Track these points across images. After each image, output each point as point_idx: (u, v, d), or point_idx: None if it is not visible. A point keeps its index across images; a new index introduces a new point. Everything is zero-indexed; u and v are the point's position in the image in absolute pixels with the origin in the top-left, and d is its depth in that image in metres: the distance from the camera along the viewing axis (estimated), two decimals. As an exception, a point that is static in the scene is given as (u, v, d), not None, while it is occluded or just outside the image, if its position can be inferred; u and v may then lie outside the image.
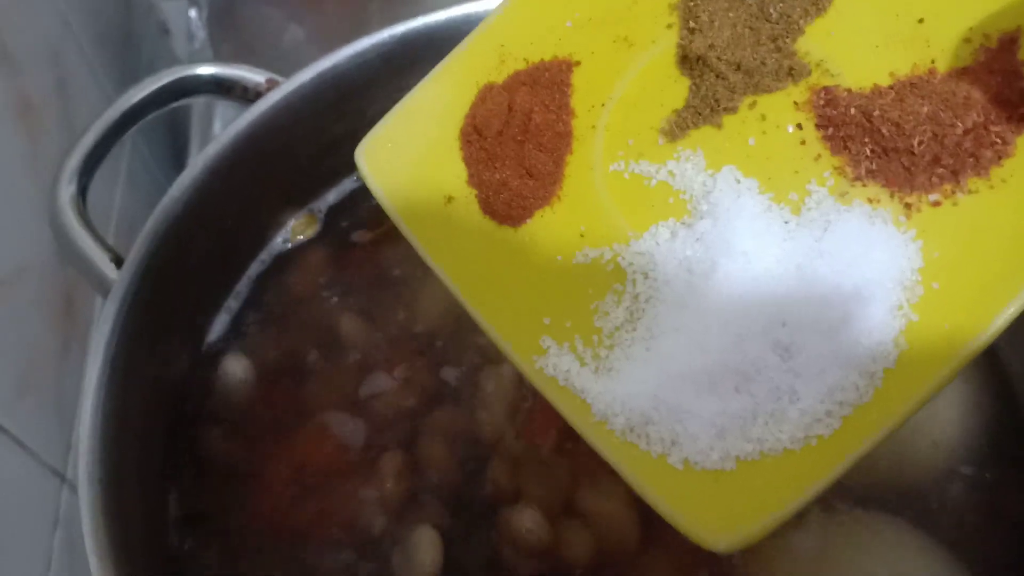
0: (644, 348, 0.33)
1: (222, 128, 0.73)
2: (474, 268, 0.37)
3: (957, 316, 0.31)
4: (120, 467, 0.45)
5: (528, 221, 0.37)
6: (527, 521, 0.44)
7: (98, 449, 0.44)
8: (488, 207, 0.38)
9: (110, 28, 0.77)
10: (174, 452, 0.52)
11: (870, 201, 0.33)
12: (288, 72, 0.56)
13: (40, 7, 0.64)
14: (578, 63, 0.39)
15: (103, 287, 0.49)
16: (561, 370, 0.34)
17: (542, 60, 0.39)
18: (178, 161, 0.82)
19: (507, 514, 0.45)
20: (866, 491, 0.46)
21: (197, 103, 0.75)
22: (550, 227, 0.37)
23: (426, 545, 0.45)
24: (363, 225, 0.60)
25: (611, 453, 0.32)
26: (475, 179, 0.38)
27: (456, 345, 0.53)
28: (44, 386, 0.58)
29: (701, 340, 0.32)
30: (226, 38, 0.78)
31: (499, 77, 0.39)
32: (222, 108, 0.75)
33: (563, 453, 0.48)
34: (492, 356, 0.51)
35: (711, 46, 0.36)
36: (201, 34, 0.81)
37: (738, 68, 0.36)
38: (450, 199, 0.38)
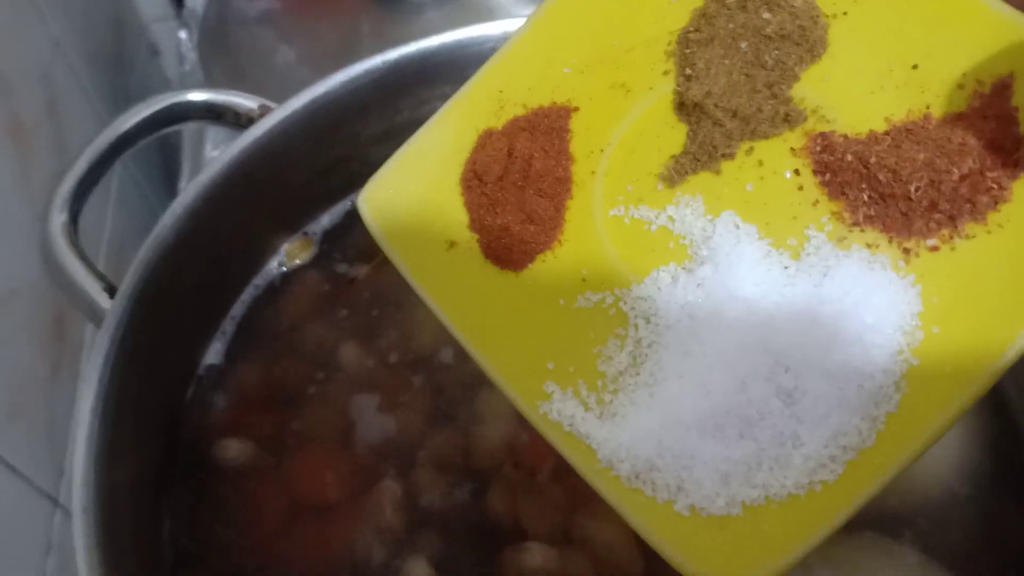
0: (648, 394, 0.33)
1: (213, 149, 0.73)
2: (477, 313, 0.37)
3: (957, 360, 0.31)
4: (114, 497, 0.45)
5: (530, 266, 0.37)
6: (539, 559, 0.44)
7: (92, 480, 0.44)
8: (490, 252, 0.38)
9: (100, 49, 0.76)
10: (169, 481, 0.52)
11: (869, 246, 0.33)
12: (279, 93, 0.55)
13: (31, 28, 0.64)
14: (577, 109, 0.39)
15: (95, 316, 0.49)
16: (566, 415, 0.34)
17: (541, 106, 0.39)
18: (170, 182, 0.81)
19: (515, 552, 0.45)
20: (865, 514, 0.46)
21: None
22: (552, 272, 0.37)
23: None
24: (358, 249, 0.59)
25: (618, 500, 0.33)
26: (476, 224, 0.38)
27: (452, 371, 0.53)
28: (35, 410, 0.57)
29: (704, 386, 0.32)
30: (216, 59, 0.77)
31: (499, 123, 0.39)
32: (214, 130, 0.75)
33: (561, 480, 0.48)
34: (487, 382, 0.51)
35: (708, 93, 0.36)
36: (191, 56, 0.80)
37: (735, 115, 0.36)
38: (452, 244, 0.38)
